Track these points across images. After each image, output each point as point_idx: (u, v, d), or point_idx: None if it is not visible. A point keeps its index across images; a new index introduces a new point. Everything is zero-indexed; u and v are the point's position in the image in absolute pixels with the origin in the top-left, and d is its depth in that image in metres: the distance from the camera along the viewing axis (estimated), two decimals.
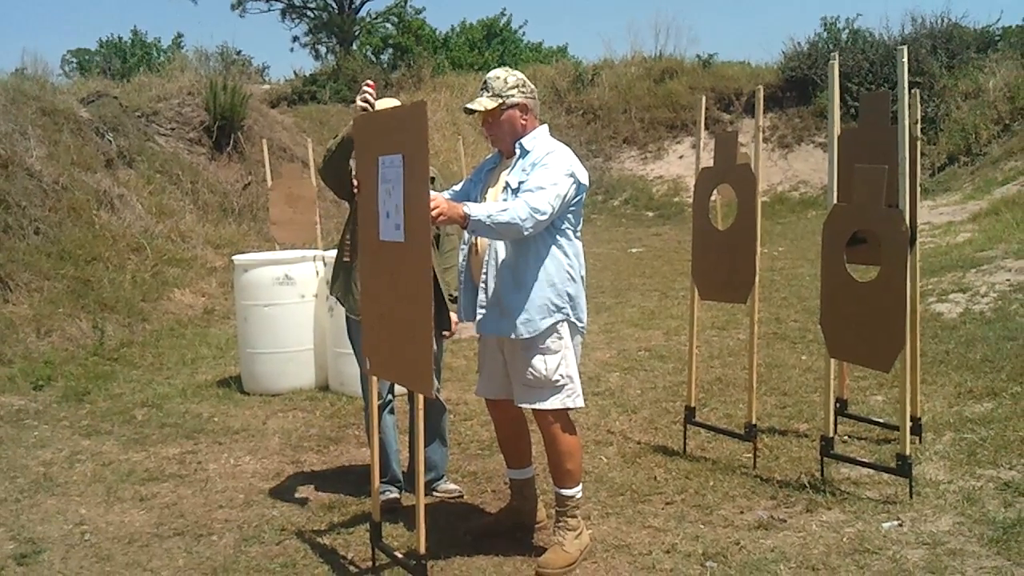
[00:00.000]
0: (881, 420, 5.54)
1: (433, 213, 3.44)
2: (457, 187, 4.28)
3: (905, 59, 4.50)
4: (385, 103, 4.70)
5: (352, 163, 4.42)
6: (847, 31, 23.54)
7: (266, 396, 7.02)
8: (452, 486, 4.96)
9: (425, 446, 4.95)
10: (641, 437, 5.73)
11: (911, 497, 4.46)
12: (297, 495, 5.00)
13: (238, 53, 29.85)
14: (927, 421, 5.36)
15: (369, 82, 4.43)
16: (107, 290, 9.60)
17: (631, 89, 23.64)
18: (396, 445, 4.94)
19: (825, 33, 23.77)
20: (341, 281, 4.78)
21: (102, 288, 9.59)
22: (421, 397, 3.78)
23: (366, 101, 4.30)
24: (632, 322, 9.32)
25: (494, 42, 37.18)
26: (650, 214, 20.00)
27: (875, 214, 4.45)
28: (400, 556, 3.90)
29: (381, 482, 4.64)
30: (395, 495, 4.79)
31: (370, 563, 4.05)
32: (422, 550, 3.64)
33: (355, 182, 4.44)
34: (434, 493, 4.88)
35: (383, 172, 3.62)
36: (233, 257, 7.69)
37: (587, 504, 4.65)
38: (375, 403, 4.06)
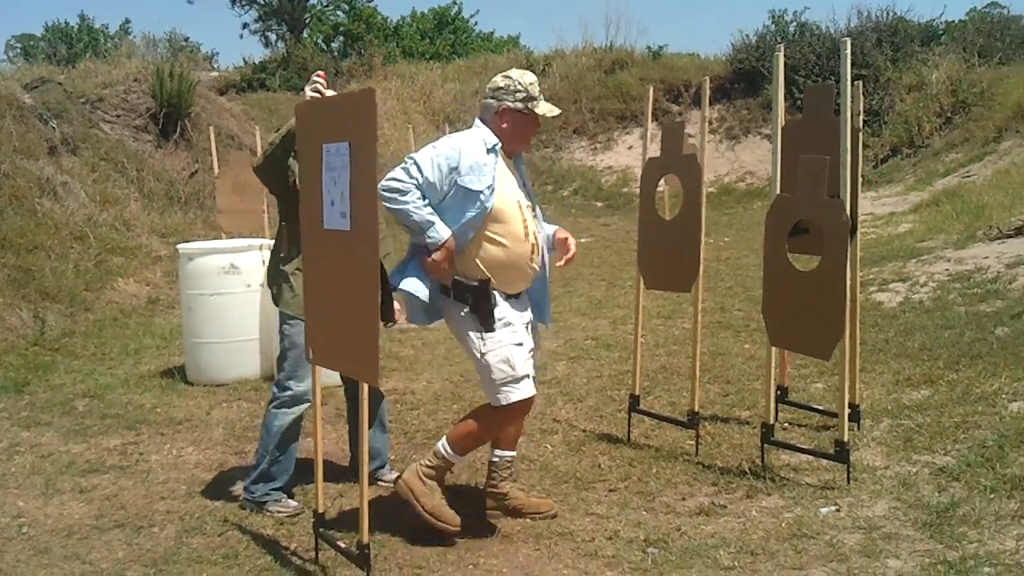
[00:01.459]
0: (821, 407, 5.63)
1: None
2: (489, 194, 4.07)
3: (848, 51, 4.57)
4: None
5: (292, 162, 4.39)
6: (794, 24, 23.76)
7: (210, 386, 6.95)
8: (396, 474, 4.95)
9: (379, 429, 4.95)
10: (586, 425, 5.77)
11: (848, 483, 4.54)
12: (241, 486, 4.96)
13: (186, 40, 29.56)
14: (865, 408, 5.45)
15: (320, 72, 4.40)
16: (49, 279, 9.43)
17: (582, 80, 23.71)
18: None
19: (773, 26, 23.99)
20: (275, 275, 4.70)
21: (44, 277, 9.41)
22: (366, 386, 3.77)
23: (317, 91, 4.27)
24: (580, 311, 9.37)
25: (446, 31, 37.03)
26: (599, 204, 20.09)
27: (817, 204, 4.51)
28: (343, 546, 3.89)
29: (276, 489, 4.63)
30: (296, 504, 4.64)
31: (313, 553, 4.04)
32: (365, 539, 3.64)
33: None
34: (379, 483, 4.87)
35: (328, 160, 3.60)
36: (178, 246, 7.60)
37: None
38: (319, 393, 4.03)
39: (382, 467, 4.95)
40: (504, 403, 4.10)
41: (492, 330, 4.08)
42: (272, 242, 4.98)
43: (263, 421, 4.72)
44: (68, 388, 7.02)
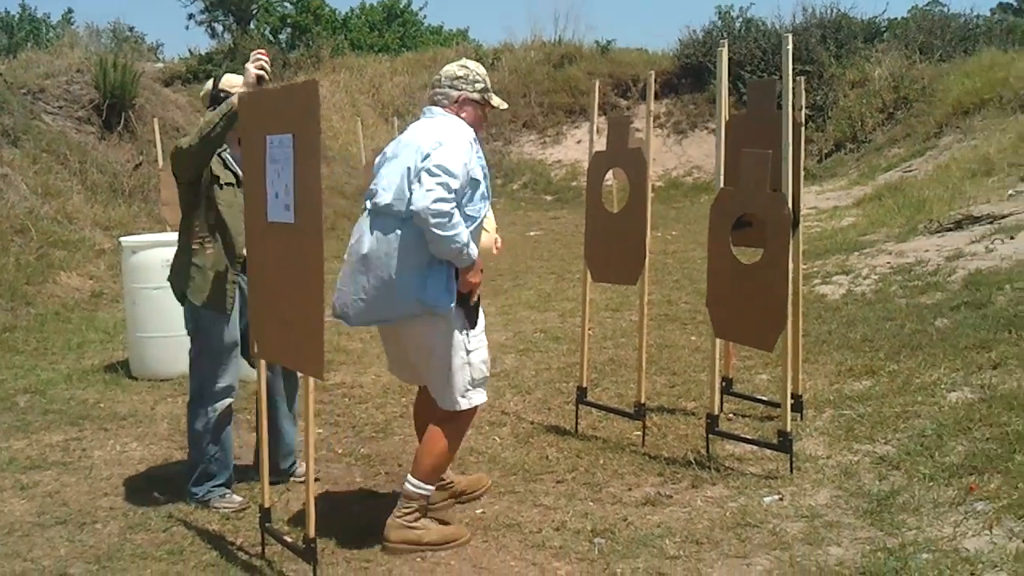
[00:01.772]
0: (765, 398, 5.71)
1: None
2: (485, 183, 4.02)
3: (790, 47, 4.64)
4: (231, 80, 4.60)
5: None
6: (741, 20, 24.05)
7: (155, 381, 6.87)
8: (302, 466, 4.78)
9: (286, 428, 4.88)
10: (535, 417, 5.80)
11: (791, 472, 4.62)
12: None
13: (131, 30, 29.13)
14: (808, 399, 5.54)
15: (261, 50, 4.33)
16: None
17: (531, 74, 23.76)
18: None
19: (720, 22, 24.24)
20: (185, 268, 4.50)
21: None
22: (311, 380, 3.74)
23: (262, 69, 4.21)
24: (529, 304, 9.40)
25: (394, 24, 36.86)
26: (548, 198, 20.16)
27: (759, 198, 4.57)
28: (290, 540, 3.87)
29: (218, 485, 4.57)
30: (241, 499, 4.58)
31: (259, 548, 4.01)
32: (311, 534, 3.63)
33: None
34: (292, 479, 4.83)
35: (271, 152, 3.58)
36: (121, 239, 7.49)
37: None
38: (263, 386, 4.00)
39: (294, 462, 4.87)
40: (467, 407, 4.03)
41: (474, 327, 4.01)
42: None
43: (188, 423, 4.60)
44: (9, 384, 6.89)
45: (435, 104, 4.11)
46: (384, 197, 3.87)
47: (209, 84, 4.71)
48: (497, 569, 3.86)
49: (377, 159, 4.12)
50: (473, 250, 3.83)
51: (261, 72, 4.20)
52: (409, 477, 4.04)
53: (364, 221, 3.96)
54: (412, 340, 4.00)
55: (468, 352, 3.98)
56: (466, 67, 4.15)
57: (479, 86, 4.12)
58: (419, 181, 3.72)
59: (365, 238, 3.89)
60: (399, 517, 4.01)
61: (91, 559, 4.00)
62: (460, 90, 4.08)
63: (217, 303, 4.45)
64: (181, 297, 4.55)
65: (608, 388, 6.33)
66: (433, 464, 4.04)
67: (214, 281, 4.44)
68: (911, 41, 20.71)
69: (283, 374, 4.71)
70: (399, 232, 3.82)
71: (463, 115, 4.09)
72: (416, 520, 4.02)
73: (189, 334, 4.60)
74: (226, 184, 4.47)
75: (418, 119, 4.18)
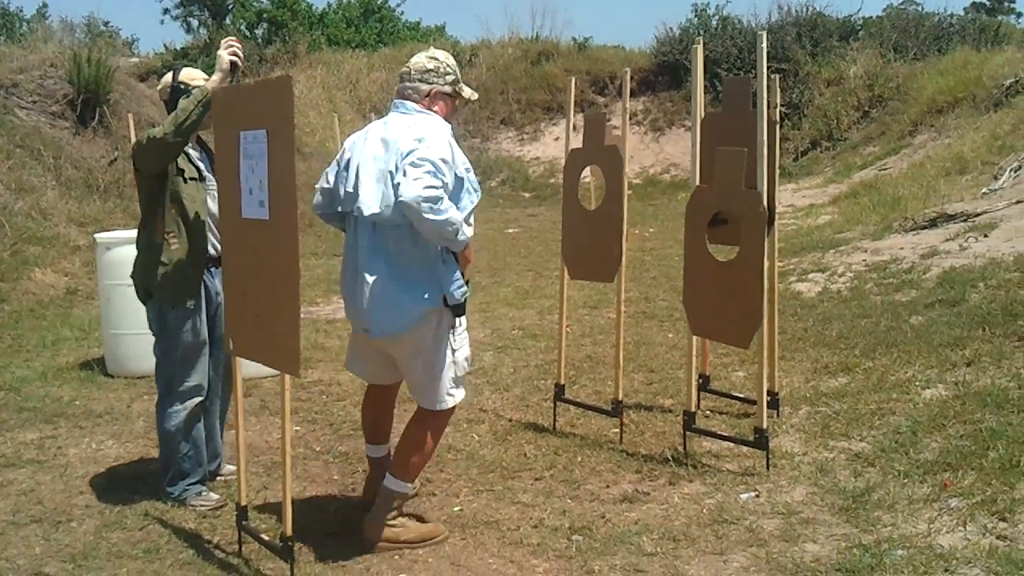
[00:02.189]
0: (741, 395, 5.74)
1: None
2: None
3: (764, 44, 4.65)
4: (191, 73, 4.57)
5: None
6: (717, 18, 24.11)
7: (131, 378, 6.82)
8: (231, 467, 4.75)
9: (219, 429, 4.85)
10: (512, 415, 5.81)
11: (768, 469, 4.65)
12: None
13: (105, 24, 28.86)
14: (784, 396, 5.57)
15: (232, 38, 4.29)
16: None
17: (508, 70, 23.70)
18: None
19: (696, 19, 24.30)
20: (151, 265, 4.42)
21: None
22: (288, 378, 3.72)
23: (235, 55, 4.18)
24: (507, 301, 9.39)
25: (372, 19, 36.71)
26: (526, 195, 20.13)
27: (735, 195, 4.59)
28: (267, 539, 3.86)
29: (194, 483, 4.55)
30: (218, 496, 4.57)
31: (236, 546, 4.00)
32: (288, 532, 3.62)
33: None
34: (220, 477, 4.82)
35: (245, 147, 3.56)
36: (96, 235, 7.43)
37: (457, 481, 4.70)
38: (239, 384, 3.98)
39: (220, 463, 4.87)
40: (451, 404, 4.04)
41: (460, 323, 4.00)
42: None
43: (159, 424, 4.57)
44: None
45: (406, 98, 4.03)
46: (370, 207, 3.80)
47: (168, 77, 4.62)
48: (475, 567, 3.86)
49: (345, 154, 4.01)
50: (467, 230, 3.82)
51: (234, 58, 4.17)
52: (389, 476, 4.03)
53: (353, 233, 3.93)
54: (399, 342, 3.95)
55: (454, 351, 3.98)
56: (436, 59, 4.07)
57: (450, 78, 4.06)
58: (403, 174, 3.65)
59: (360, 252, 3.86)
60: (378, 515, 4.00)
61: (67, 558, 3.98)
62: (431, 83, 4.01)
63: (184, 300, 4.42)
64: (146, 295, 4.50)
65: (586, 385, 6.34)
66: (416, 463, 4.06)
67: (181, 278, 4.40)
68: (886, 40, 20.83)
69: (224, 377, 4.70)
70: (394, 239, 3.81)
71: (435, 109, 4.03)
72: (395, 518, 4.02)
73: (154, 333, 4.55)
74: (190, 179, 4.43)
75: (388, 113, 4.11)
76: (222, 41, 4.26)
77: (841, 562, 3.67)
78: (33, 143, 12.82)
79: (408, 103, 4.02)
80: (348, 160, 3.96)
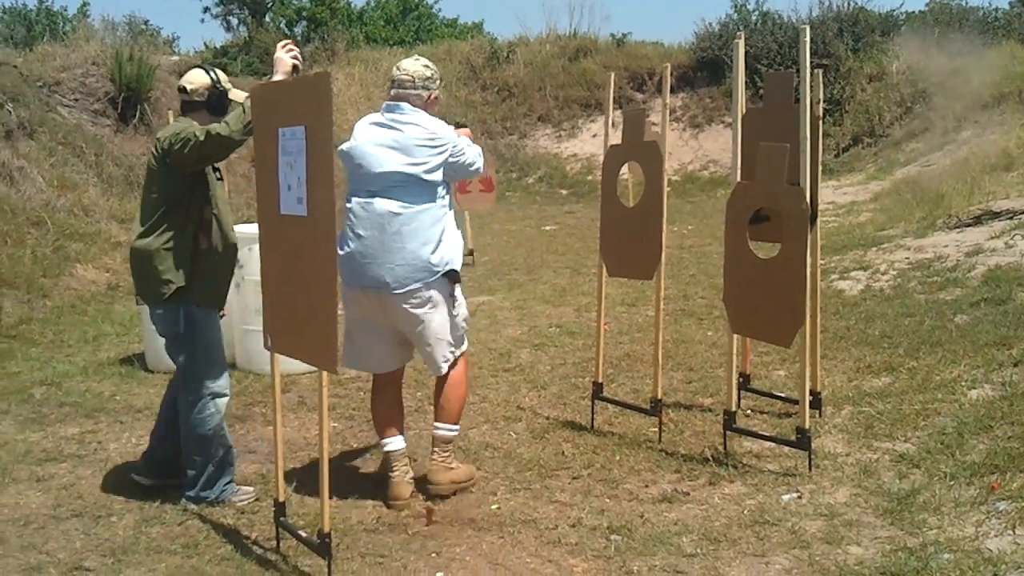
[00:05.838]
0: (782, 394, 5.66)
1: None
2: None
3: (808, 38, 4.59)
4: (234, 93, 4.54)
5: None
6: (757, 13, 23.87)
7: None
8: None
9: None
10: (550, 413, 5.77)
11: (810, 469, 4.58)
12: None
13: (146, 23, 29.04)
14: (827, 395, 5.49)
15: (288, 41, 4.32)
16: (5, 266, 9.28)
17: (546, 67, 23.60)
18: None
19: (736, 15, 24.07)
20: (179, 268, 4.35)
21: (0, 264, 9.26)
22: (325, 374, 3.72)
23: (296, 58, 4.22)
24: (544, 299, 9.35)
25: (410, 17, 36.81)
26: (564, 192, 20.05)
27: (777, 192, 4.52)
28: (304, 535, 3.86)
29: (230, 483, 4.55)
30: (252, 489, 4.59)
31: (274, 542, 4.00)
32: (326, 528, 3.62)
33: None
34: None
35: (283, 144, 3.56)
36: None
37: (495, 479, 4.68)
38: (277, 380, 3.98)
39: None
40: (460, 352, 4.55)
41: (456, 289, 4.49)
42: (238, 227, 4.84)
43: (188, 431, 4.47)
44: (25, 376, 6.91)
45: (407, 101, 4.41)
46: (394, 194, 4.28)
47: (205, 78, 4.50)
48: (512, 565, 3.83)
49: (357, 146, 4.37)
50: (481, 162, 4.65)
51: (295, 61, 4.20)
52: (439, 424, 4.54)
53: (367, 215, 4.31)
54: (408, 312, 4.33)
55: (458, 310, 4.50)
56: (429, 67, 4.51)
57: (440, 83, 4.59)
58: (460, 160, 4.42)
59: (375, 217, 4.29)
60: (440, 461, 4.51)
61: (106, 552, 4.01)
62: (430, 90, 4.48)
63: (217, 299, 4.45)
64: (159, 297, 4.37)
65: (624, 384, 6.29)
66: (459, 406, 4.59)
67: (215, 276, 4.43)
68: (929, 34, 20.53)
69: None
70: (409, 214, 4.27)
71: (431, 110, 4.49)
72: (451, 460, 4.56)
73: (173, 336, 4.45)
74: (218, 178, 4.51)
75: (383, 111, 4.47)
76: (278, 44, 4.28)
77: (886, 565, 3.60)
78: (75, 141, 13.00)
79: (405, 105, 4.41)
80: (361, 154, 4.37)
